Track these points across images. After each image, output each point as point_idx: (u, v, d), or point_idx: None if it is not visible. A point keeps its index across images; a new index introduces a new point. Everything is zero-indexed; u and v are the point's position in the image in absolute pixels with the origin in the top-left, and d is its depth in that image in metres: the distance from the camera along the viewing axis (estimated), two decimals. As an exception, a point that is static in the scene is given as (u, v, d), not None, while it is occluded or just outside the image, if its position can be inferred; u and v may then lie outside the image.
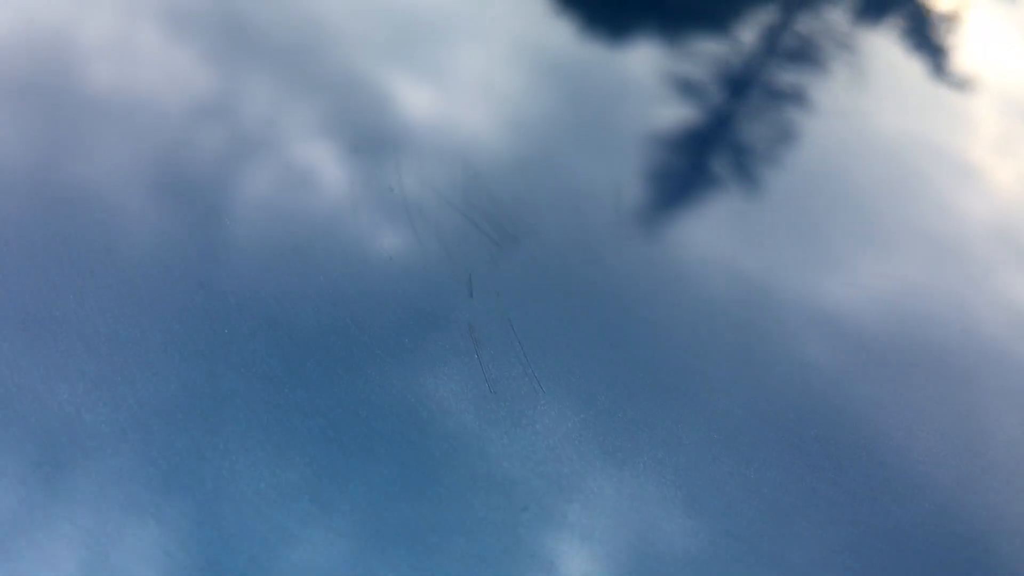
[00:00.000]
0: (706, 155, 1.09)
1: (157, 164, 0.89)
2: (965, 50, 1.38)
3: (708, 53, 1.26)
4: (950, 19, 1.45)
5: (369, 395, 0.70)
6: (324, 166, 0.93)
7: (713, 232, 0.98)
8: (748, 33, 1.33)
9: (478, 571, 0.61)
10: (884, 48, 1.37)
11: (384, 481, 0.64)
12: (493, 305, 0.75)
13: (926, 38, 1.39)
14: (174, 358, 0.70)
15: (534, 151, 1.02)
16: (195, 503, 0.61)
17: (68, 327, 0.71)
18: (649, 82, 1.20)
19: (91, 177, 0.86)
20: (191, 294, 0.76)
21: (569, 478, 0.67)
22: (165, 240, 0.80)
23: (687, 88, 1.18)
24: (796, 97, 1.22)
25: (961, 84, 1.31)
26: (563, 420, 0.68)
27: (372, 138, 0.98)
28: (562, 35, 1.27)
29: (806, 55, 1.31)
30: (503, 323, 0.73)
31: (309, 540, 0.60)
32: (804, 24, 1.37)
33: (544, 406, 0.68)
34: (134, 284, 0.76)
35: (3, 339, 0.69)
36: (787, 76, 1.25)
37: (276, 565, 0.58)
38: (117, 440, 0.63)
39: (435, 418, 0.69)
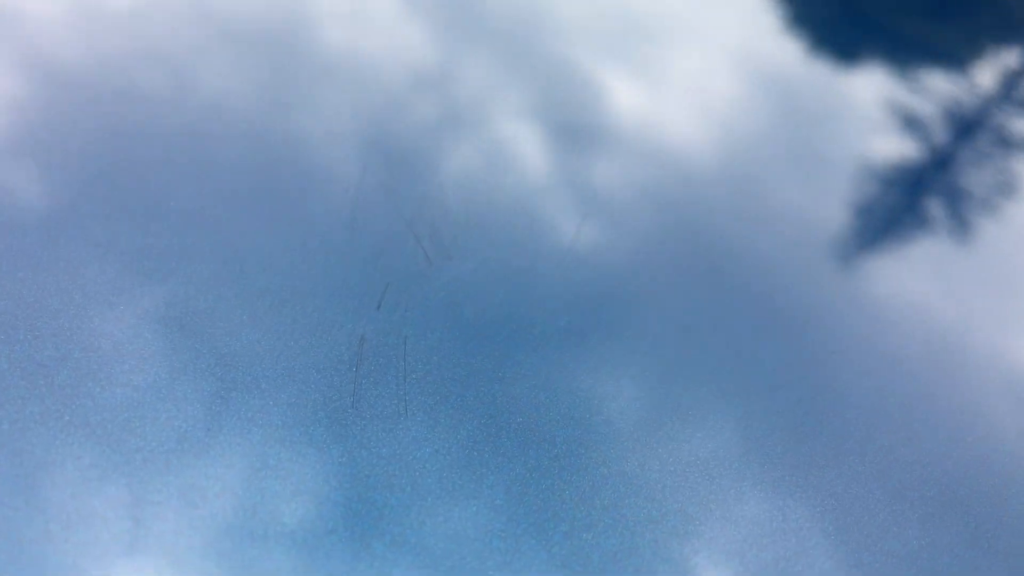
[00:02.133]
0: (919, 194, 1.05)
1: (367, 126, 0.93)
2: None
3: (939, 90, 1.21)
4: None
5: (531, 380, 0.71)
6: (524, 148, 0.95)
7: (909, 273, 0.94)
8: (986, 75, 1.27)
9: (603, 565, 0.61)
10: None
11: (530, 468, 0.65)
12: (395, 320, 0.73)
13: None
14: (348, 316, 0.72)
15: (739, 164, 1.01)
16: (346, 452, 0.63)
17: (257, 271, 0.74)
18: (871, 111, 1.16)
19: (304, 130, 0.90)
20: (378, 256, 0.78)
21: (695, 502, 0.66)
22: (364, 201, 0.84)
23: (910, 123, 1.14)
24: (1027, 149, 1.16)
25: None
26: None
27: (573, 127, 0.99)
28: (786, 52, 1.25)
29: (1046, 106, 1.24)
30: (399, 339, 0.71)
31: (448, 508, 0.61)
32: (1050, 73, 1.30)
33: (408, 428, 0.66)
34: (325, 238, 0.79)
35: (201, 273, 0.73)
36: (1021, 125, 1.19)
37: (409, 523, 0.60)
38: (286, 384, 0.66)
39: (592, 415, 0.70)
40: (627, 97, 1.06)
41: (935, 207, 1.04)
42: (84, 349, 0.64)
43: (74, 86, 0.87)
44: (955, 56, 1.31)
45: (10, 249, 0.71)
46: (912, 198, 1.05)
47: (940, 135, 1.14)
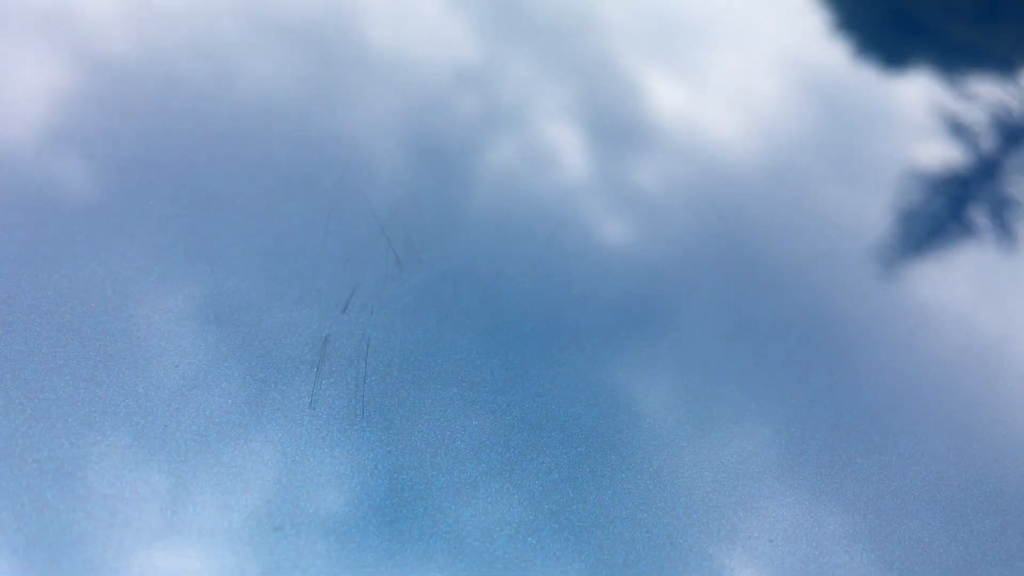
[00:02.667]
0: (964, 200, 1.03)
1: (409, 121, 0.95)
2: None
3: (988, 96, 1.17)
4: None
5: (565, 380, 0.72)
6: (564, 147, 0.95)
7: (952, 279, 0.93)
8: (1035, 79, 1.23)
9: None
10: None
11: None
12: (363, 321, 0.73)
13: None
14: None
15: (782, 167, 1.00)
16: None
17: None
18: (916, 116, 1.13)
19: (347, 122, 0.93)
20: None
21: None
22: (403, 193, 0.85)
23: (957, 128, 1.11)
24: (1079, 156, 1.11)
25: None
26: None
27: (615, 126, 0.99)
28: (832, 55, 1.23)
29: (1101, 112, 1.19)
30: (362, 341, 0.71)
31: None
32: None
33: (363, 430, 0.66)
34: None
35: (241, 260, 0.76)
36: (1073, 131, 1.15)
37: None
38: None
39: (624, 414, 0.70)
40: (668, 98, 1.06)
41: (979, 214, 1.01)
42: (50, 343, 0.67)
43: (118, 81, 0.91)
44: (1003, 61, 1.27)
45: (47, 240, 0.74)
46: (956, 204, 1.02)
47: (987, 141, 1.11)
